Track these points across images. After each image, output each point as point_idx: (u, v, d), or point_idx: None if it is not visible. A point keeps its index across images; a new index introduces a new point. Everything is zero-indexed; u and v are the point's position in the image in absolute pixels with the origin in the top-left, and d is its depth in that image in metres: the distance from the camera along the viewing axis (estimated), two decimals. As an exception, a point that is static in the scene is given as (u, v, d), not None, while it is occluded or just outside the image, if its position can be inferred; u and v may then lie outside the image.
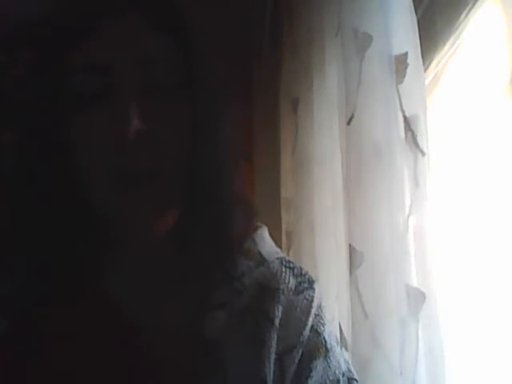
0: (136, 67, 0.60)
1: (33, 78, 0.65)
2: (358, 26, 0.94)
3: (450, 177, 1.08)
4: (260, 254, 0.68)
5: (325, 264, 1.16)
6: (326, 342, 0.65)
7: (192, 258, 0.64)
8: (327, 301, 1.03)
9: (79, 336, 0.61)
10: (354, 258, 0.92)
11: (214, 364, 0.61)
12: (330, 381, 0.64)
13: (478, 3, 0.96)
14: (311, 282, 0.68)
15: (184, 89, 0.62)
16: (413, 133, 0.88)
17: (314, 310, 0.66)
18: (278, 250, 0.72)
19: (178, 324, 0.62)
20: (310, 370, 0.63)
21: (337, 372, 0.65)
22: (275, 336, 0.63)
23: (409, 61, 0.90)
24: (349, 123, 0.94)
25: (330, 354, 0.65)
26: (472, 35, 1.04)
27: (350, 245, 0.93)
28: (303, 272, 0.69)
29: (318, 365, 0.64)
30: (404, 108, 0.89)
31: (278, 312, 0.64)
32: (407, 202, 0.88)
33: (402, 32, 0.92)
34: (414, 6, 0.92)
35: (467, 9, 0.98)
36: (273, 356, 0.62)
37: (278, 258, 0.69)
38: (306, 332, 0.65)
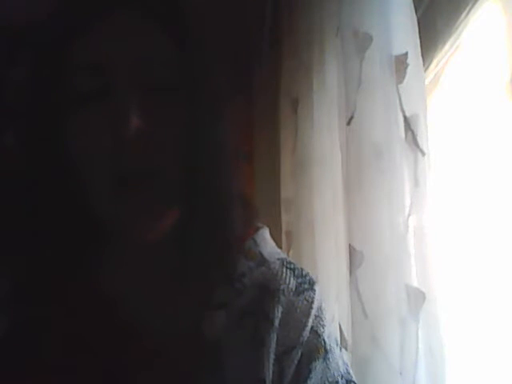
0: (135, 66, 0.60)
1: (32, 78, 0.65)
2: (358, 26, 0.94)
3: (449, 177, 1.08)
4: (261, 254, 0.68)
5: (325, 264, 1.16)
6: (325, 343, 0.65)
7: (192, 258, 0.64)
8: (327, 301, 1.03)
9: (78, 335, 0.61)
10: (353, 258, 0.91)
11: (214, 363, 0.61)
12: (329, 382, 0.64)
13: (478, 3, 0.96)
14: (312, 284, 0.68)
15: (183, 88, 0.62)
16: (413, 133, 0.88)
17: (314, 311, 0.66)
18: (280, 250, 0.72)
19: (178, 324, 0.62)
20: (310, 371, 0.63)
21: (335, 374, 0.65)
22: (275, 336, 0.63)
23: (409, 61, 0.90)
24: (349, 123, 0.94)
25: (330, 355, 0.65)
26: (472, 35, 1.04)
27: (349, 245, 0.93)
28: (304, 273, 0.69)
29: (318, 366, 0.64)
30: (404, 108, 0.89)
31: (278, 312, 0.64)
32: (407, 201, 0.88)
33: (402, 32, 0.92)
34: (414, 5, 0.92)
35: (467, 9, 0.98)
36: (272, 356, 0.62)
37: (279, 259, 0.69)
38: (306, 333, 0.64)
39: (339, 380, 0.64)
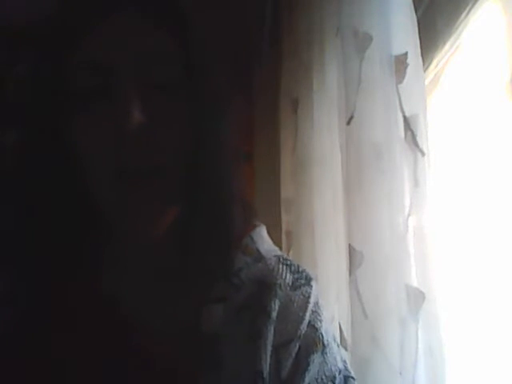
0: (136, 65, 0.60)
1: (33, 78, 0.65)
2: (357, 26, 0.94)
3: (450, 177, 1.08)
4: (258, 251, 0.69)
5: (325, 264, 1.16)
6: (323, 337, 0.66)
7: (191, 254, 0.65)
8: (327, 301, 1.03)
9: (78, 332, 0.62)
10: (353, 258, 0.92)
11: (212, 357, 0.61)
12: (326, 376, 0.64)
13: (478, 3, 0.96)
14: (308, 279, 0.69)
15: (184, 88, 0.62)
16: (413, 133, 0.89)
17: (311, 306, 0.66)
18: (276, 248, 0.73)
19: (176, 318, 0.62)
20: (308, 364, 0.64)
21: (333, 368, 0.65)
22: (272, 329, 0.63)
23: (409, 61, 0.90)
24: (349, 123, 0.94)
25: (327, 349, 0.65)
26: (472, 35, 1.04)
27: (349, 245, 0.93)
28: (300, 269, 0.69)
29: (315, 359, 0.64)
30: (404, 108, 0.89)
31: (275, 306, 0.64)
32: (407, 202, 0.88)
33: (402, 32, 0.92)
34: (414, 5, 0.92)
35: (467, 9, 0.98)
36: (269, 348, 0.62)
37: (275, 256, 0.70)
38: (304, 326, 0.65)
39: (337, 375, 0.65)
